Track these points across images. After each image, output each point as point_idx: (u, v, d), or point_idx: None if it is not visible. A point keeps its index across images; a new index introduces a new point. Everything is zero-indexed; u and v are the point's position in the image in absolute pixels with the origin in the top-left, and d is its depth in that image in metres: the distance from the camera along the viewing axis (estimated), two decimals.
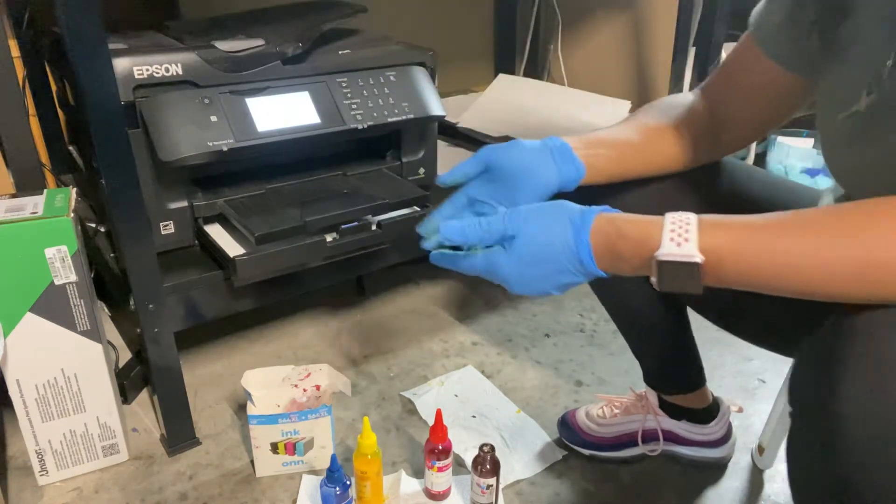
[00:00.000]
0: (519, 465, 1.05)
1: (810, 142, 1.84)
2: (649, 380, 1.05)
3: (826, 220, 0.53)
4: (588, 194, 0.76)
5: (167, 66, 0.96)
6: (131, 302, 0.96)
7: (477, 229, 0.63)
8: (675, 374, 1.03)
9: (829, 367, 0.51)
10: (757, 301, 0.78)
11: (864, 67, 0.61)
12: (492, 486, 0.93)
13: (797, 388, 0.56)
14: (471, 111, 1.64)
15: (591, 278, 0.61)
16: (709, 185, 0.82)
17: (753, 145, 1.72)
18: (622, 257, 0.59)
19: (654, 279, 0.57)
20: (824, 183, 1.76)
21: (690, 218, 0.56)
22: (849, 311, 0.52)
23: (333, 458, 0.91)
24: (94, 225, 1.19)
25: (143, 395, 1.21)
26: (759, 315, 0.80)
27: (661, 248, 0.56)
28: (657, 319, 0.96)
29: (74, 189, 0.98)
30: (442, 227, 0.64)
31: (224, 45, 1.03)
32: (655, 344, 1.00)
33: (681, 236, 0.55)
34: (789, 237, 0.53)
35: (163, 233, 1.04)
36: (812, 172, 1.80)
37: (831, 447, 0.50)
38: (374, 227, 1.08)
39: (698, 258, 0.54)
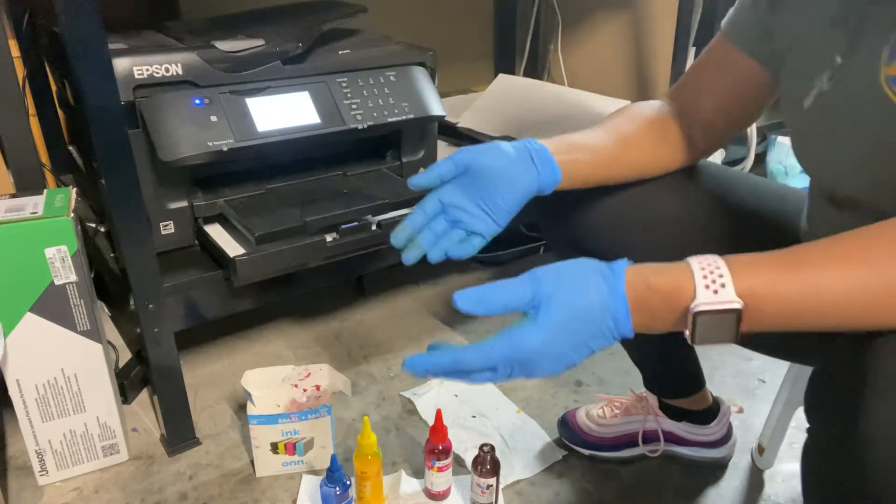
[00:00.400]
0: (519, 465, 1.05)
1: None
2: (648, 384, 1.05)
3: (862, 247, 0.50)
4: (566, 198, 0.76)
5: (167, 66, 0.96)
6: (131, 302, 0.96)
7: (501, 295, 0.55)
8: (672, 381, 1.03)
9: (855, 385, 0.49)
10: None
11: (815, 57, 0.64)
12: (492, 486, 0.93)
13: (817, 404, 0.54)
14: (471, 111, 1.63)
15: (618, 341, 0.55)
16: (689, 189, 0.82)
17: (753, 145, 1.72)
18: (654, 313, 0.53)
19: (687, 333, 0.52)
20: None
21: (718, 261, 0.52)
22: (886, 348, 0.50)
23: (333, 458, 0.91)
24: (94, 225, 1.19)
25: (143, 395, 1.21)
26: None
27: (697, 298, 0.51)
28: None
29: (74, 189, 0.98)
30: (458, 300, 0.55)
31: (224, 45, 1.03)
32: (651, 352, 1.00)
33: (715, 282, 0.51)
34: (830, 270, 0.50)
35: (163, 233, 1.04)
36: None
37: (859, 467, 0.48)
38: (374, 227, 1.08)
39: (738, 304, 0.50)
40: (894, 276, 0.48)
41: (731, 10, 0.77)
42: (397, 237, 0.70)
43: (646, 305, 0.53)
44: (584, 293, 0.53)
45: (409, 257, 0.70)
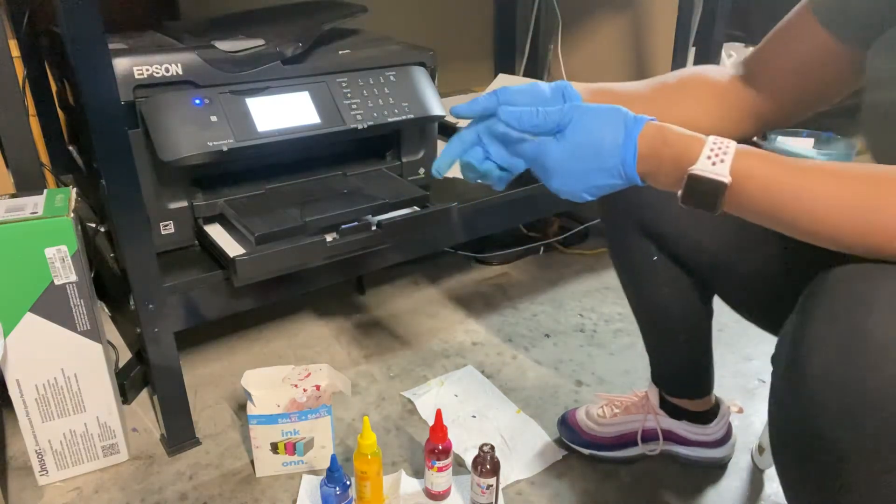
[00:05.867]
0: (519, 465, 1.05)
1: (810, 142, 1.83)
2: (658, 379, 1.04)
3: (855, 174, 0.55)
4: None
5: (167, 66, 0.96)
6: (131, 302, 0.96)
7: (534, 117, 0.63)
8: (687, 380, 1.02)
9: (800, 329, 0.54)
10: (779, 292, 0.77)
11: None
12: (492, 486, 0.93)
13: (777, 349, 0.59)
14: None
15: (627, 183, 0.63)
16: None
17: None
18: (661, 165, 0.60)
19: (679, 193, 0.59)
20: None
21: (731, 143, 0.58)
22: (821, 277, 0.55)
23: (333, 458, 0.91)
24: (94, 225, 1.19)
25: (143, 395, 1.21)
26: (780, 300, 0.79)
27: (697, 163, 0.58)
28: (682, 318, 0.95)
29: (74, 189, 0.98)
30: (501, 112, 0.65)
31: (224, 45, 1.03)
32: (674, 345, 0.99)
33: (717, 156, 0.58)
34: (817, 179, 0.56)
35: (163, 233, 1.04)
36: None
37: (802, 407, 0.52)
38: (374, 227, 1.08)
39: (727, 179, 0.57)
40: (865, 202, 0.53)
41: None
42: (440, 166, 0.70)
43: (656, 156, 0.60)
44: (601, 128, 0.62)
45: (441, 169, 0.70)
